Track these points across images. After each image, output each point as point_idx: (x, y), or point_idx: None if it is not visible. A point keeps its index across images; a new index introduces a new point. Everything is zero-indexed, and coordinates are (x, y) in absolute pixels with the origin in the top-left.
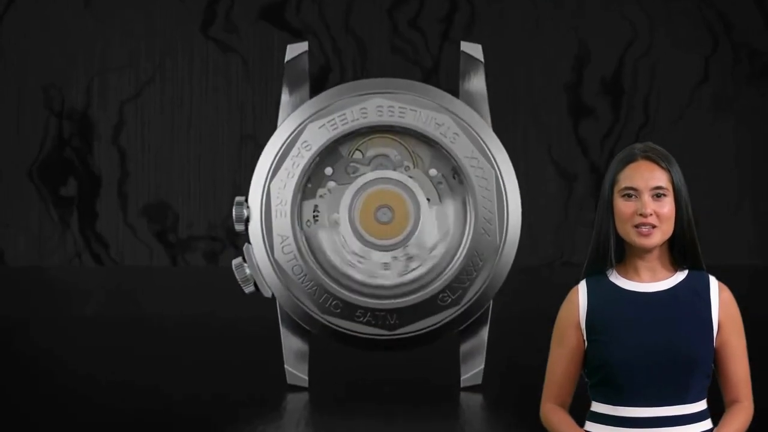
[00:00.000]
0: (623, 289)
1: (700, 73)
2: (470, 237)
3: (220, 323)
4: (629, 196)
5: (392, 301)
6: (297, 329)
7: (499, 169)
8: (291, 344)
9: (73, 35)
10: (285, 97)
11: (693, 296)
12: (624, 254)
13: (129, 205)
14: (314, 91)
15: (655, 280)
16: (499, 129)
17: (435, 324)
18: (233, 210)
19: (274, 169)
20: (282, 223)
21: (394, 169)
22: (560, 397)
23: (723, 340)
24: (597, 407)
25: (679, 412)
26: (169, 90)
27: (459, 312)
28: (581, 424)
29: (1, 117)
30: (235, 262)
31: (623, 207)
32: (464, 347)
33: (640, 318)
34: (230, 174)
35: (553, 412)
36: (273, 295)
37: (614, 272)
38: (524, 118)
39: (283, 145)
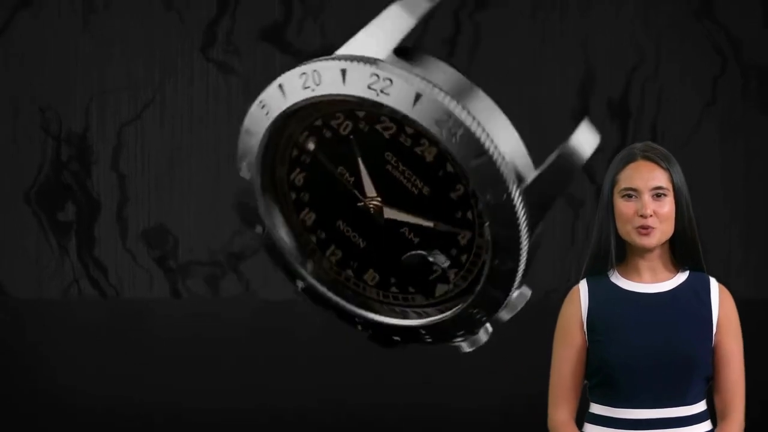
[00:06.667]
0: (624, 289)
1: (708, 95)
2: None
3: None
4: (629, 196)
5: None
6: None
7: None
8: None
9: (71, 56)
10: None
11: (693, 297)
12: (625, 254)
13: (129, 230)
14: None
15: (656, 281)
16: None
17: None
18: None
19: None
20: None
21: None
22: (569, 400)
23: (719, 340)
24: (596, 409)
25: (679, 413)
26: (169, 112)
27: None
28: (580, 425)
29: None
30: None
31: (623, 207)
32: None
33: (640, 319)
34: (231, 198)
35: (564, 428)
36: None
37: (615, 272)
38: (529, 142)
39: None
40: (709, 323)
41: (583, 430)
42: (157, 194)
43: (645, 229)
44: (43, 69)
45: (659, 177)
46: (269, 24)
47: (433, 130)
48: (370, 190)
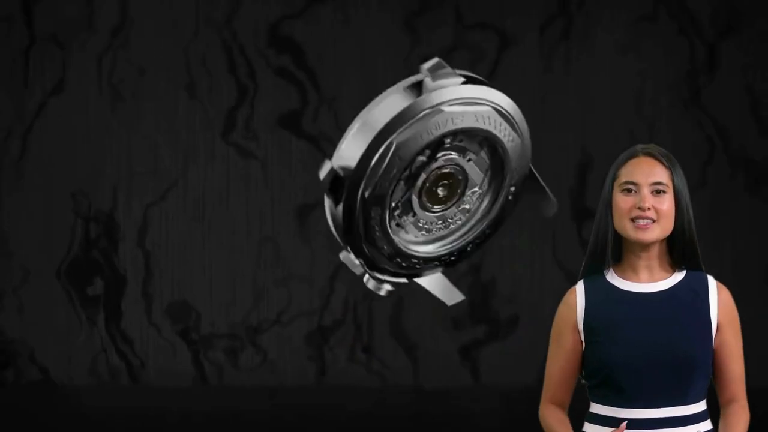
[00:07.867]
0: (621, 289)
1: (697, 179)
2: None
3: None
4: (629, 190)
5: None
6: None
7: None
8: None
9: (99, 141)
10: None
11: (692, 296)
12: (622, 254)
13: (153, 304)
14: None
15: (653, 281)
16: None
17: None
18: None
19: None
20: None
21: None
22: (558, 396)
23: (722, 340)
24: (596, 408)
25: (679, 413)
26: (191, 193)
27: None
28: (581, 425)
29: (31, 222)
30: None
31: (621, 201)
32: None
33: (638, 319)
34: (250, 275)
35: (550, 412)
36: None
37: (612, 272)
38: (530, 222)
39: None
40: (708, 322)
41: (583, 429)
42: (180, 270)
43: (643, 222)
44: (74, 152)
45: (660, 173)
46: (286, 111)
47: None
48: None
